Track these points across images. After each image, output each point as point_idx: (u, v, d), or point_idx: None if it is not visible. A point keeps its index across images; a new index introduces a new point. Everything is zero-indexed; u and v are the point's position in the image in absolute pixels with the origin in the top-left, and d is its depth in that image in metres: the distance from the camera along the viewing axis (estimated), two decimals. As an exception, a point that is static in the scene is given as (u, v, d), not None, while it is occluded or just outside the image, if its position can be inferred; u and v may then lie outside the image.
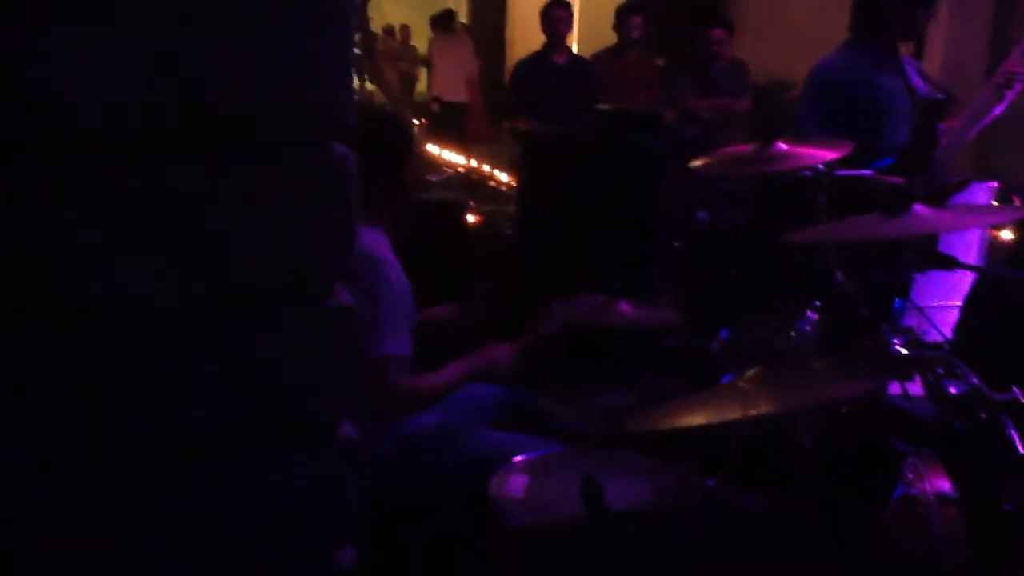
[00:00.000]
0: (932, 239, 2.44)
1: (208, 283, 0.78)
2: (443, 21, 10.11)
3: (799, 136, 2.41)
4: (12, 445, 0.74)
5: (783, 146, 2.21)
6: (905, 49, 2.72)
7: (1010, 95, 2.59)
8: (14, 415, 0.73)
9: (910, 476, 1.85)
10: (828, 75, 2.83)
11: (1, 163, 0.69)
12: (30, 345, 0.73)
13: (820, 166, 2.22)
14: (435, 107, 8.57)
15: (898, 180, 2.40)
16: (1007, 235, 3.67)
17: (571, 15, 5.75)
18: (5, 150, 0.69)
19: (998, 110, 2.64)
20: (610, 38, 6.05)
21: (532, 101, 5.41)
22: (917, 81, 2.60)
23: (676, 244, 3.01)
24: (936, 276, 2.74)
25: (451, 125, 8.44)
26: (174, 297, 0.77)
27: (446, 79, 8.75)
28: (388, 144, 2.16)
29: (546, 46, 5.62)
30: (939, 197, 2.33)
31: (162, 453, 0.79)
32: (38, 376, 0.73)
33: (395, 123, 2.30)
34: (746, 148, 2.35)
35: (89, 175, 0.72)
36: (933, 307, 2.96)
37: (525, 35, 11.01)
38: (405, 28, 12.73)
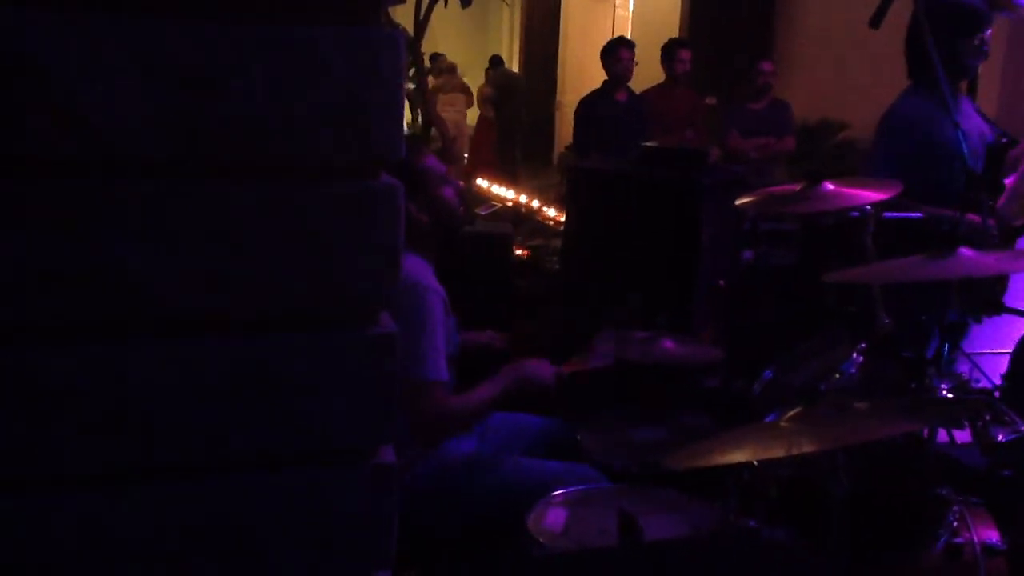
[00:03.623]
0: (984, 284, 2.40)
1: (250, 306, 0.80)
2: None
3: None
4: (52, 458, 0.76)
5: (829, 186, 2.20)
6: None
7: None
8: (55, 428, 0.76)
9: (956, 524, 1.81)
10: (899, 120, 2.83)
11: (50, 181, 0.72)
12: (73, 359, 0.75)
13: (868, 207, 2.21)
14: None
15: (953, 214, 2.37)
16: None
17: (634, 55, 5.74)
18: (53, 168, 0.72)
19: None
20: (657, 78, 6.06)
21: (596, 137, 5.43)
22: (981, 124, 2.58)
23: (720, 283, 2.99)
24: (989, 322, 2.68)
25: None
26: (216, 318, 0.79)
27: None
28: (407, 171, 2.19)
29: (607, 84, 5.62)
30: (1004, 240, 2.29)
31: (197, 470, 0.81)
32: (79, 389, 0.76)
33: (416, 151, 2.29)
34: (792, 188, 2.34)
35: (133, 196, 0.75)
36: (984, 353, 2.89)
37: (575, 77, 11.11)
38: (452, 64, 12.98)
